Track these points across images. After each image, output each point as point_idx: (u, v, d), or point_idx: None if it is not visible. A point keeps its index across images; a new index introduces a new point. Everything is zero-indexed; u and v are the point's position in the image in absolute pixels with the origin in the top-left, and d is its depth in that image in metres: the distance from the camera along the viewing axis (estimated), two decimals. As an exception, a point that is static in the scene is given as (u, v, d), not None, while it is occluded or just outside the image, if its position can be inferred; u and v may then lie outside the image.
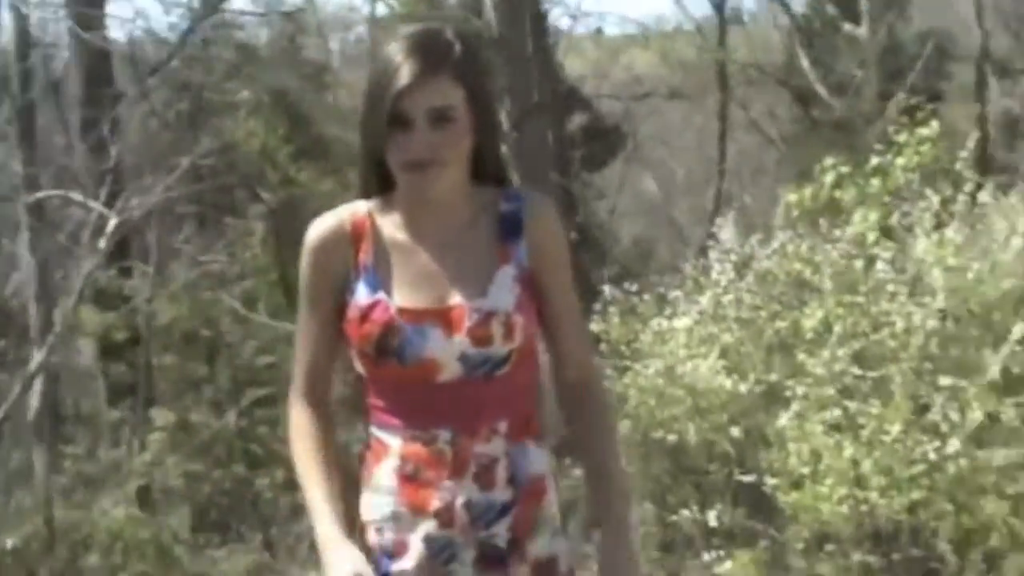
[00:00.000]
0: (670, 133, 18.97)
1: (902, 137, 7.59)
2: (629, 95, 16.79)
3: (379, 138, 2.64)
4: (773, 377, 7.32)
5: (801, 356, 6.90)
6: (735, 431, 7.25)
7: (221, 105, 13.15)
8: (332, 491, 2.73)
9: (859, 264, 7.31)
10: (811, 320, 7.00)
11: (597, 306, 8.38)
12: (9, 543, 6.99)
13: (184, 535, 8.60)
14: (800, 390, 6.87)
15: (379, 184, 2.75)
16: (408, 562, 2.69)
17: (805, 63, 18.09)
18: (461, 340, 2.65)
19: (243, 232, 13.42)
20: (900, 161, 7.46)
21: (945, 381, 6.52)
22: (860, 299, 7.06)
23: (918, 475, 6.18)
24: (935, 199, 7.22)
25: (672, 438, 7.37)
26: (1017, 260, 7.20)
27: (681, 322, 7.44)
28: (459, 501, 2.67)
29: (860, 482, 6.39)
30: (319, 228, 2.78)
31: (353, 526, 2.76)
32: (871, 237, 7.27)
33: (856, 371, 6.82)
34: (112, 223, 8.97)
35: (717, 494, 7.37)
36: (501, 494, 2.69)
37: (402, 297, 2.69)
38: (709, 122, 17.64)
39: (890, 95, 16.98)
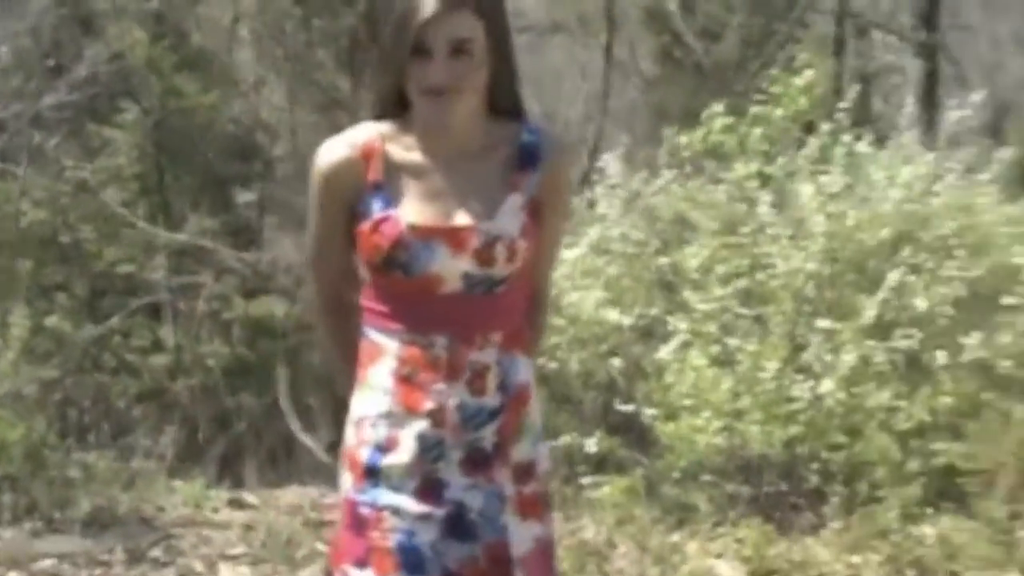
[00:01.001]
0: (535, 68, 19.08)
1: (777, 87, 7.81)
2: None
3: (401, 64, 2.76)
4: (654, 312, 7.54)
5: (686, 292, 7.12)
6: (615, 362, 7.45)
7: (100, 13, 12.92)
8: None
9: (743, 207, 7.55)
10: (697, 258, 7.20)
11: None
12: None
13: (51, 440, 8.49)
14: (682, 325, 7.10)
15: (395, 107, 2.85)
16: (400, 457, 2.84)
17: (672, 5, 18.30)
18: (466, 259, 2.80)
19: (117, 141, 13.21)
20: (779, 112, 7.69)
21: (822, 323, 6.80)
22: (744, 240, 7.30)
23: (796, 412, 6.45)
24: (815, 145, 7.48)
25: (553, 366, 7.54)
26: (895, 210, 7.51)
27: (571, 253, 7.59)
28: (451, 403, 2.82)
29: (738, 416, 6.64)
30: (328, 151, 2.90)
31: None
32: (752, 184, 7.51)
33: (737, 309, 7.07)
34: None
35: (594, 423, 7.56)
36: (491, 399, 2.85)
37: (412, 214, 2.81)
38: (578, 57, 17.79)
39: (754, 41, 17.33)
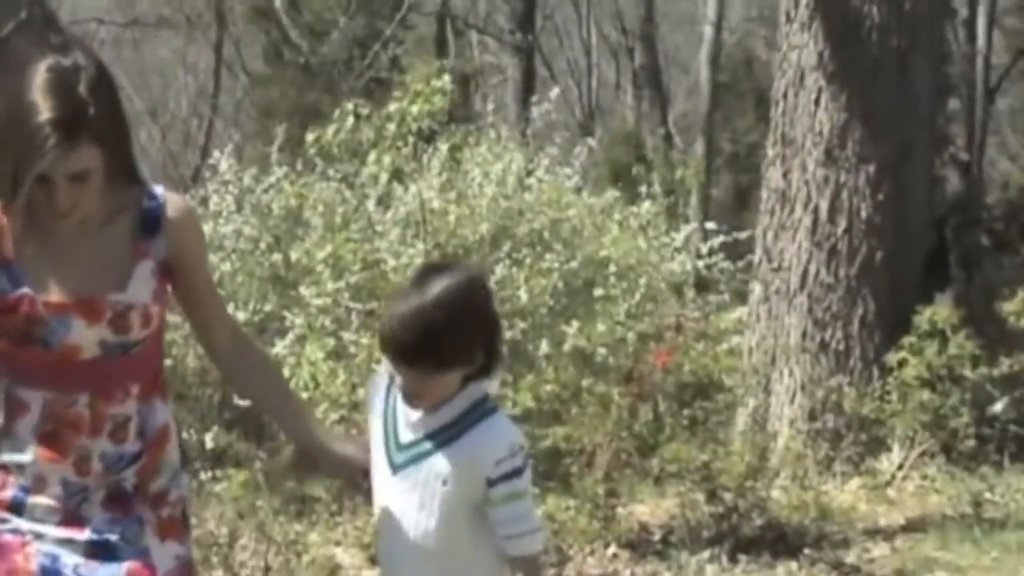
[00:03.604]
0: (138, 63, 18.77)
1: (418, 86, 8.03)
2: (119, 20, 16.56)
3: (21, 183, 2.75)
4: (268, 307, 7.66)
5: (302, 288, 7.27)
6: (230, 357, 7.50)
7: None
8: None
9: (353, 203, 7.77)
10: (322, 252, 7.33)
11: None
12: None
13: None
14: (299, 320, 7.25)
15: (15, 197, 2.82)
16: (44, 499, 2.89)
17: (278, 2, 18.38)
18: (102, 329, 2.86)
19: None
20: (414, 109, 7.92)
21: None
22: (355, 236, 7.51)
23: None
24: (444, 147, 7.78)
25: (168, 363, 7.53)
26: (492, 204, 7.90)
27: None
28: (95, 454, 2.90)
29: (355, 408, 6.83)
30: None
31: None
32: (384, 177, 7.72)
33: (350, 304, 7.27)
34: None
35: (211, 418, 7.61)
36: (131, 445, 2.94)
37: (46, 291, 2.84)
38: (184, 53, 17.60)
39: (359, 41, 17.61)
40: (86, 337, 2.86)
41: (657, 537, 6.15)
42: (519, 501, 2.90)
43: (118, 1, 17.03)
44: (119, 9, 16.78)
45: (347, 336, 7.06)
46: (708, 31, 19.58)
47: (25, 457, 2.90)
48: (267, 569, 5.69)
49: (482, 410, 2.93)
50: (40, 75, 2.73)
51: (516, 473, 2.89)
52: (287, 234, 8.05)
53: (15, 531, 2.89)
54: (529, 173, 8.38)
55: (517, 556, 2.92)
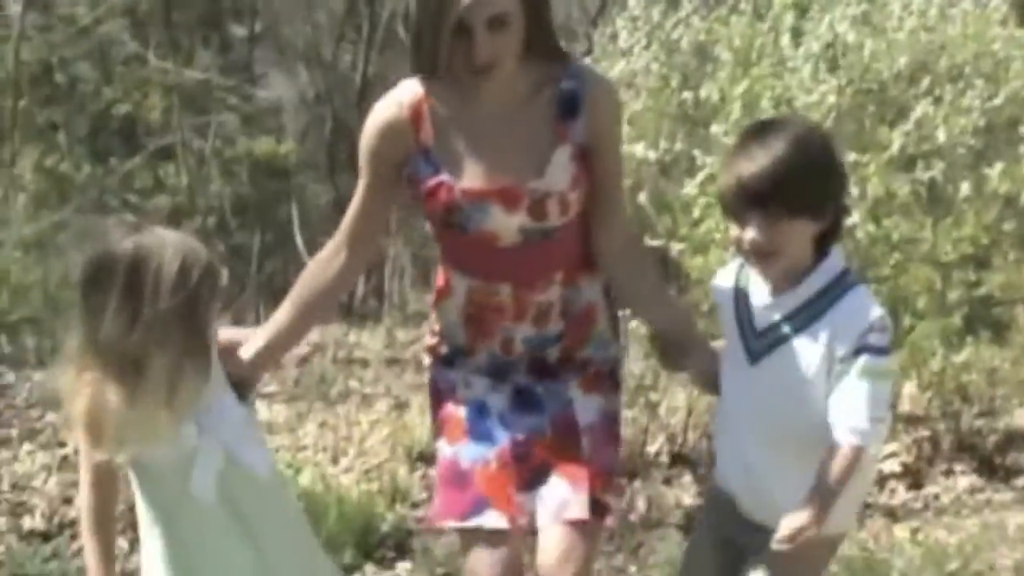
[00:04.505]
0: None
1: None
2: None
3: (441, 41, 2.81)
4: (678, 146, 7.56)
5: (714, 127, 7.13)
6: (641, 197, 7.48)
7: None
8: (283, 319, 3.08)
9: (762, 37, 7.54)
10: (737, 88, 7.15)
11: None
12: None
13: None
14: (708, 159, 7.13)
15: (436, 62, 2.87)
16: (473, 361, 3.08)
17: None
18: (520, 216, 2.88)
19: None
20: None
21: (848, 156, 6.83)
22: (767, 71, 7.30)
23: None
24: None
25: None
26: (911, 38, 7.51)
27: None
28: (518, 337, 3.02)
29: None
30: (379, 113, 2.98)
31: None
32: (791, 12, 7.48)
33: (762, 143, 7.09)
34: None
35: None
36: (554, 327, 3.04)
37: (463, 177, 2.89)
38: None
39: None
40: (504, 224, 2.87)
41: (1092, 394, 5.86)
42: (878, 381, 2.70)
43: None
44: None
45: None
46: None
47: (455, 334, 2.98)
48: (689, 412, 5.72)
49: (843, 284, 2.79)
50: None
51: (881, 352, 2.71)
52: (696, 71, 7.89)
53: (447, 380, 3.08)
54: (951, 5, 7.91)
55: (845, 443, 2.68)
